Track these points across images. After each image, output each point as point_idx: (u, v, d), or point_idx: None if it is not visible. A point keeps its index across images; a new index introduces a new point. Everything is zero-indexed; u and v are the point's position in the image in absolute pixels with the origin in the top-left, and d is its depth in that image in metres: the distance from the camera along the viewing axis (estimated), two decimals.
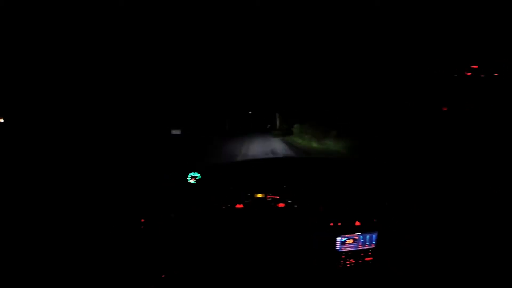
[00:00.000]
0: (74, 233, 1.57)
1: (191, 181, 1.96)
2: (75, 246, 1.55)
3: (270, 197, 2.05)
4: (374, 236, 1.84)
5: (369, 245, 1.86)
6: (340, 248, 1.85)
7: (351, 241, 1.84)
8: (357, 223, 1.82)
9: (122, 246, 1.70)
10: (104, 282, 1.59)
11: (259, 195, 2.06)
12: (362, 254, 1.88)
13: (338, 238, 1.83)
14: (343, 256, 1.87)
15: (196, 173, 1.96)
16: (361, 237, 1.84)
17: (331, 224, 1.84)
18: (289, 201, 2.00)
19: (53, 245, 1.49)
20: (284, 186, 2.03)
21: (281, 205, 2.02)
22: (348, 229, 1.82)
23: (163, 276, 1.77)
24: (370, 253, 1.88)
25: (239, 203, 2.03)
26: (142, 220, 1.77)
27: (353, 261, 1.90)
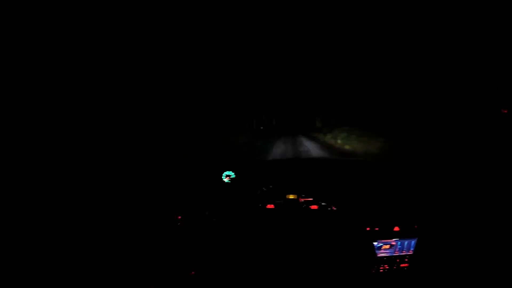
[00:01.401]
0: (107, 231, 1.58)
1: (226, 180, 1.95)
2: (107, 244, 1.57)
3: (302, 199, 2.03)
4: (412, 242, 1.80)
5: (407, 251, 1.82)
6: (376, 253, 1.82)
7: (387, 246, 1.81)
8: (396, 228, 1.78)
9: (160, 243, 1.71)
10: (137, 279, 1.61)
11: (291, 196, 2.04)
12: (398, 260, 1.84)
13: (374, 244, 1.79)
14: (379, 261, 1.84)
15: (230, 171, 1.96)
16: (399, 243, 1.80)
17: (368, 228, 1.81)
18: (323, 204, 1.97)
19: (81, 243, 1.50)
20: (319, 188, 2.00)
21: (314, 207, 1.99)
22: (386, 234, 1.78)
23: (192, 272, 1.77)
24: (406, 259, 1.84)
25: (270, 204, 2.02)
26: (179, 217, 1.78)
27: (387, 267, 1.86)
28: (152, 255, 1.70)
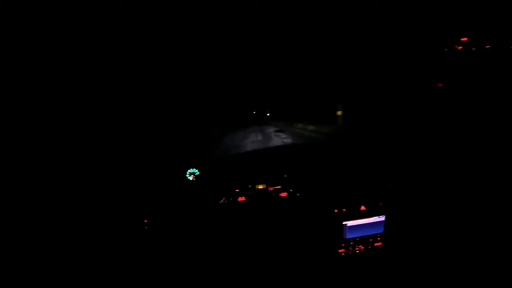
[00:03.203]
0: (76, 234, 1.59)
1: (190, 178, 1.95)
2: (77, 247, 1.58)
3: (271, 188, 2.01)
4: (381, 220, 1.75)
5: (377, 230, 1.78)
6: (348, 235, 1.79)
7: (356, 223, 1.77)
8: (362, 207, 1.74)
9: (128, 247, 1.73)
10: (109, 282, 1.63)
11: (260, 186, 2.03)
12: (371, 240, 1.80)
13: (344, 223, 1.76)
14: (351, 243, 1.81)
15: (194, 169, 1.95)
16: (368, 222, 1.76)
17: (336, 210, 1.77)
18: (291, 190, 1.95)
19: (51, 246, 1.50)
20: (285, 175, 1.97)
21: (283, 194, 1.97)
22: (354, 215, 1.74)
23: (169, 273, 1.79)
24: (379, 238, 1.80)
25: (241, 196, 2.01)
26: (146, 221, 1.79)
27: (362, 247, 1.83)
28: (123, 257, 1.72)
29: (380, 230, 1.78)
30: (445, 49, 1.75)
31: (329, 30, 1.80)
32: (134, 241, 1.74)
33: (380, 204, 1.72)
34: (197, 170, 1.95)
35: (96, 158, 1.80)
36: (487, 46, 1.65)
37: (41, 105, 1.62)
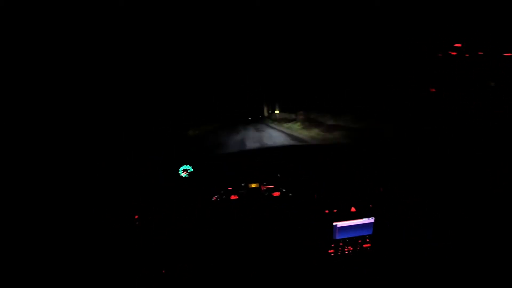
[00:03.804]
0: (63, 231, 1.56)
1: (183, 175, 1.93)
2: (64, 245, 1.55)
3: (264, 187, 2.02)
4: (371, 222, 1.79)
5: (367, 231, 1.82)
6: (338, 236, 1.82)
7: (346, 225, 1.80)
8: (353, 209, 1.77)
9: (118, 244, 1.71)
10: (100, 281, 1.61)
11: (253, 185, 2.03)
12: (360, 241, 1.84)
13: (334, 224, 1.79)
14: (340, 244, 1.84)
15: (187, 166, 1.94)
16: (358, 223, 1.79)
17: (327, 211, 1.80)
18: (284, 190, 1.96)
19: (40, 243, 1.48)
20: (278, 175, 1.98)
21: (276, 194, 1.98)
22: (344, 216, 1.77)
23: (163, 271, 1.78)
24: (368, 240, 1.84)
25: (234, 194, 2.01)
26: (136, 217, 1.77)
27: (351, 248, 1.87)
28: (112, 256, 1.70)
29: (369, 231, 1.82)
30: (444, 50, 1.78)
31: (329, 31, 1.81)
32: (124, 237, 1.72)
33: (370, 206, 1.76)
34: (190, 167, 1.94)
35: (87, 153, 1.76)
36: (487, 47, 1.69)
37: (39, 104, 1.60)
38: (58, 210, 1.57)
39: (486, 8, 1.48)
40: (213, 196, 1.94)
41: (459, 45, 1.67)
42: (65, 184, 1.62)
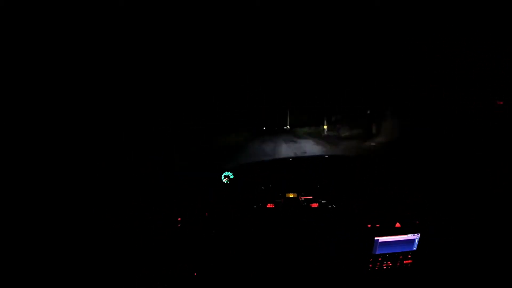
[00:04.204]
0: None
1: (225, 180, 1.96)
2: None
3: (302, 197, 2.02)
4: (416, 239, 1.77)
5: (410, 248, 1.80)
6: (377, 251, 1.80)
7: (388, 241, 1.79)
8: (398, 224, 1.76)
9: (160, 244, 1.73)
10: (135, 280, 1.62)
11: (291, 195, 2.04)
12: (401, 257, 1.82)
13: (376, 239, 1.77)
14: (379, 259, 1.82)
15: (229, 172, 1.96)
16: (401, 239, 1.77)
17: (369, 225, 1.79)
18: (323, 201, 1.96)
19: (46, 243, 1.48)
20: (318, 186, 1.99)
21: (314, 205, 1.98)
22: (388, 231, 1.76)
23: (195, 274, 1.79)
24: (409, 256, 1.81)
25: (270, 203, 2.01)
26: (179, 219, 1.80)
27: (390, 264, 1.84)
28: (153, 256, 1.72)
29: (412, 247, 1.79)
30: (444, 51, 1.77)
31: (330, 33, 1.81)
32: (166, 239, 1.74)
33: (417, 222, 1.74)
34: (231, 174, 1.97)
35: (87, 153, 1.74)
36: (487, 48, 1.68)
37: (39, 103, 1.60)
38: (58, 210, 1.58)
39: (486, 9, 1.47)
40: (253, 204, 1.95)
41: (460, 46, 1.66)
42: (65, 183, 1.62)
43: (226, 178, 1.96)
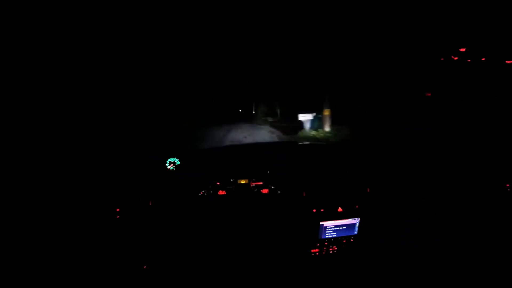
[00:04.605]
0: (62, 230, 1.52)
1: (170, 167, 1.87)
2: (64, 244, 1.52)
3: (253, 183, 1.99)
4: (356, 223, 1.82)
5: (352, 232, 1.85)
6: (323, 235, 1.83)
7: (332, 225, 1.82)
8: (340, 209, 1.79)
9: (97, 238, 1.62)
10: (80, 276, 1.54)
11: (242, 181, 2.00)
12: (344, 241, 1.87)
13: (321, 224, 1.80)
14: (325, 243, 1.86)
15: (175, 158, 1.87)
16: (343, 223, 1.82)
17: (314, 210, 1.81)
18: (273, 187, 1.95)
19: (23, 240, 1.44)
20: (268, 172, 1.96)
21: (265, 191, 1.97)
22: (330, 216, 1.79)
23: (144, 267, 1.72)
24: (352, 240, 1.87)
25: (222, 190, 1.97)
26: (118, 210, 1.69)
27: (336, 248, 1.89)
28: (91, 250, 1.61)
29: (354, 232, 1.85)
30: (444, 54, 1.82)
31: (330, 34, 1.81)
32: (106, 232, 1.63)
33: (357, 206, 1.78)
34: (177, 160, 1.88)
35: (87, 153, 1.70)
36: (488, 50, 1.74)
37: (39, 103, 1.56)
38: (58, 210, 1.55)
39: (486, 10, 1.51)
40: (200, 191, 1.89)
41: (463, 49, 1.72)
42: (65, 183, 1.58)
43: (172, 165, 1.87)
